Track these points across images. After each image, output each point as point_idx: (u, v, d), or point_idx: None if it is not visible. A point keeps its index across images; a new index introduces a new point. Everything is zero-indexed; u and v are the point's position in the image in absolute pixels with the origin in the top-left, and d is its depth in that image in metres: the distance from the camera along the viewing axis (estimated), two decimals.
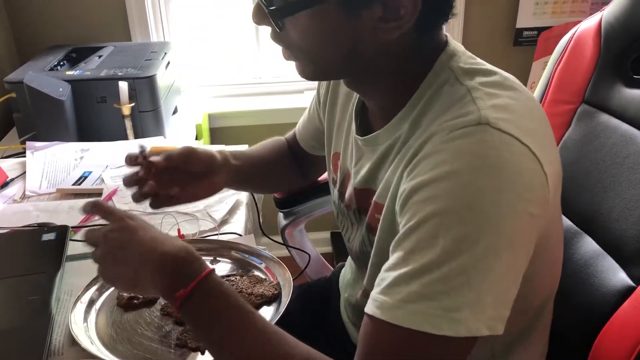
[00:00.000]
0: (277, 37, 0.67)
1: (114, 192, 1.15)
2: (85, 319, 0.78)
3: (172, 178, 0.86)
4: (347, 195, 0.82)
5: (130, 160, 0.84)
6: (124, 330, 0.77)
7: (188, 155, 0.87)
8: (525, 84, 2.07)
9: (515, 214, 0.57)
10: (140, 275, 0.66)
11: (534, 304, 0.75)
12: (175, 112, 1.78)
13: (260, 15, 0.66)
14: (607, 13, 0.96)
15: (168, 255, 0.66)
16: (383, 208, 0.69)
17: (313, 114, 0.98)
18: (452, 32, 1.99)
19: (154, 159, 0.84)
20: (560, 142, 1.03)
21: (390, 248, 0.61)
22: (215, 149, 0.94)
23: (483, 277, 0.56)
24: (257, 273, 0.89)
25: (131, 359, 0.72)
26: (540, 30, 2.00)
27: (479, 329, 0.56)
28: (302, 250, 1.16)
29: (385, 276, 0.59)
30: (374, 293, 0.59)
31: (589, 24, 0.99)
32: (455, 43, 0.71)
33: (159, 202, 0.86)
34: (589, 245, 0.92)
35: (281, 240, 1.19)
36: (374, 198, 0.73)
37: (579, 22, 1.04)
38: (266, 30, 0.67)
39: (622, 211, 0.87)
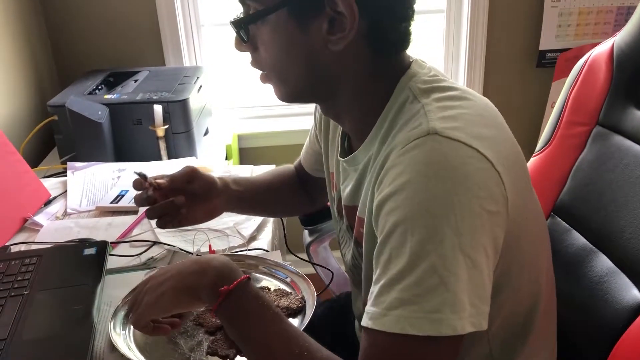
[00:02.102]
0: (254, 60, 0.77)
1: None
2: (124, 328, 0.84)
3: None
4: (341, 209, 0.88)
5: (137, 185, 0.90)
6: (159, 339, 0.82)
7: (190, 175, 0.94)
8: (545, 104, 2.10)
9: (472, 212, 0.62)
10: (185, 282, 0.72)
11: (520, 308, 0.79)
12: (206, 133, 1.86)
13: (239, 42, 0.75)
14: (618, 39, 1.00)
15: (214, 261, 0.73)
16: (364, 222, 0.75)
17: (313, 138, 1.05)
18: (475, 53, 2.03)
19: (159, 181, 0.91)
20: (576, 163, 1.06)
21: (374, 260, 0.66)
22: (235, 170, 1.00)
23: (455, 276, 0.60)
24: (283, 287, 0.94)
25: None
26: (562, 52, 2.03)
27: (463, 327, 0.60)
28: (326, 268, 1.21)
29: (373, 289, 0.64)
30: (367, 306, 0.64)
31: (602, 48, 1.03)
32: (420, 65, 0.76)
33: (166, 221, 0.92)
34: (603, 262, 0.95)
35: (306, 258, 1.24)
36: (358, 213, 0.79)
37: (598, 43, 1.07)
38: None
39: (635, 230, 0.90)
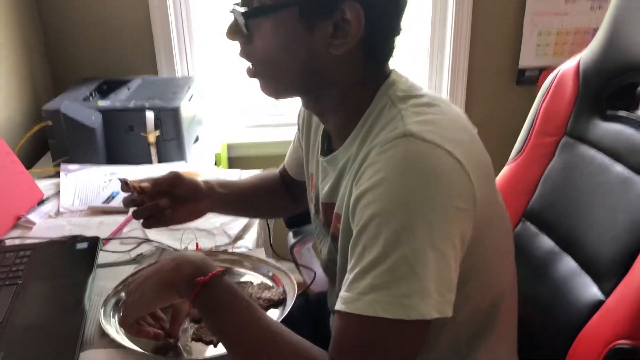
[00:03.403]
0: (244, 51, 0.79)
1: None
2: (113, 316, 0.89)
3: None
4: (318, 208, 0.93)
5: (123, 188, 0.95)
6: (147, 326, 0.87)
7: (174, 179, 0.99)
8: (524, 119, 2.18)
9: (443, 208, 0.67)
10: (164, 277, 0.77)
11: (484, 303, 0.85)
12: (196, 141, 1.91)
13: (234, 30, 0.78)
14: (584, 56, 1.07)
15: (190, 257, 0.77)
16: (341, 217, 0.80)
17: (297, 143, 1.10)
18: (458, 71, 2.11)
19: (143, 184, 0.96)
20: (545, 171, 1.12)
21: (349, 251, 0.71)
22: (223, 174, 1.05)
23: (424, 266, 0.65)
24: (265, 281, 0.99)
25: (152, 348, 0.82)
26: (541, 69, 2.11)
27: (429, 312, 0.65)
28: (308, 268, 1.26)
29: (348, 277, 0.69)
30: (341, 293, 0.70)
31: (570, 65, 1.10)
32: (398, 75, 0.82)
33: (150, 222, 0.96)
34: (568, 264, 1.01)
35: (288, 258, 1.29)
36: (335, 209, 0.84)
37: None
38: None
39: (597, 233, 0.96)
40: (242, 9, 0.75)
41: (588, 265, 0.97)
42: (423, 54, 2.18)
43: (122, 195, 1.32)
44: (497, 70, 2.15)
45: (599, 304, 0.90)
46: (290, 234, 1.30)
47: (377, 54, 0.80)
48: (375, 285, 0.66)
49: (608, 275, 0.91)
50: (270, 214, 1.24)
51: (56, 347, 0.80)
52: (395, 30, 0.79)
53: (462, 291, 0.73)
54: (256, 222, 1.24)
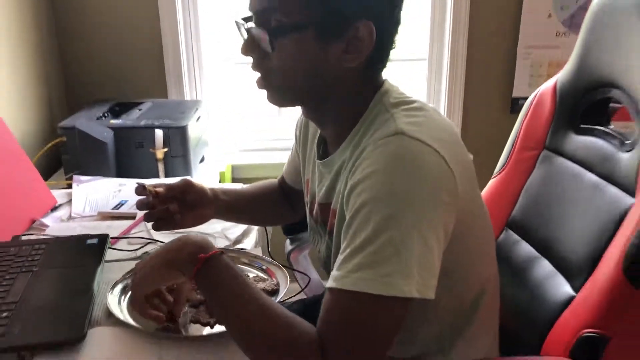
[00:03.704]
0: (259, 65, 0.85)
1: None
2: (120, 301, 0.96)
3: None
4: (314, 211, 1.00)
5: (138, 191, 1.03)
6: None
7: (186, 186, 1.07)
8: None
9: (428, 199, 0.75)
10: (168, 257, 0.84)
11: (467, 296, 0.92)
12: (202, 160, 2.00)
13: (251, 47, 0.84)
14: (560, 76, 1.16)
15: (193, 237, 0.85)
16: (337, 212, 0.88)
17: (294, 153, 1.18)
18: (454, 98, 2.21)
19: (158, 189, 1.04)
20: (526, 183, 1.20)
21: (342, 235, 0.79)
22: (227, 185, 1.13)
23: (408, 250, 0.72)
24: (260, 274, 1.06)
25: (154, 328, 0.89)
26: None
27: (410, 291, 0.72)
28: (304, 273, 1.32)
29: (339, 258, 0.76)
30: (332, 272, 0.77)
31: (548, 85, 1.19)
32: (390, 84, 0.90)
33: (160, 224, 1.04)
34: (545, 267, 1.08)
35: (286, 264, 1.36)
36: (331, 207, 0.91)
37: None
38: None
39: (570, 237, 1.04)
40: (262, 30, 0.81)
41: (562, 267, 1.04)
42: (421, 84, 2.28)
43: (131, 203, 1.42)
44: (491, 100, 2.24)
45: (570, 300, 0.97)
46: (288, 241, 1.37)
47: (378, 66, 0.88)
48: (362, 265, 0.73)
49: (578, 274, 0.98)
50: (268, 221, 1.31)
51: (67, 324, 0.87)
52: (394, 43, 0.87)
53: (445, 284, 0.80)
54: (255, 228, 1.32)
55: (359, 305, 0.73)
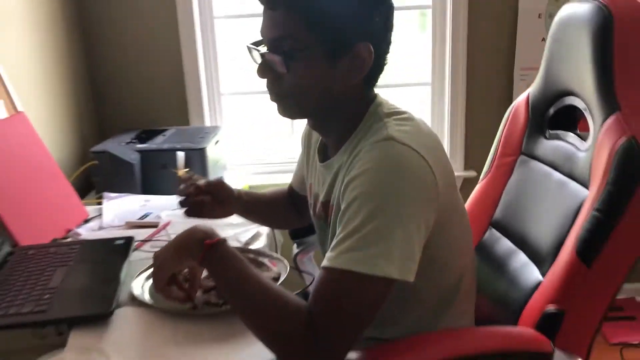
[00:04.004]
0: (273, 84, 0.97)
1: (168, 223, 1.51)
2: (142, 286, 1.11)
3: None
4: (317, 210, 1.13)
5: (183, 178, 1.22)
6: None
7: (220, 184, 1.25)
8: None
9: (412, 196, 0.88)
10: (180, 243, 0.98)
11: (449, 282, 1.05)
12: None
13: (266, 70, 0.96)
14: (532, 89, 1.30)
15: (201, 227, 0.98)
16: (334, 207, 1.01)
17: (301, 162, 1.32)
18: (456, 119, 2.35)
19: (200, 182, 1.22)
20: (506, 186, 1.33)
21: (337, 224, 0.92)
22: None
23: (391, 237, 0.85)
24: (265, 264, 1.21)
25: (170, 307, 1.03)
26: None
27: (391, 273, 0.84)
28: (309, 273, 1.46)
29: (333, 242, 0.89)
30: (326, 254, 0.90)
31: (522, 97, 1.33)
32: (382, 98, 1.04)
33: (192, 212, 1.21)
34: (520, 258, 1.20)
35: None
36: (330, 203, 1.05)
37: None
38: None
39: (540, 230, 1.16)
40: (276, 55, 0.92)
41: (534, 256, 1.16)
42: (426, 103, 2.43)
43: (155, 214, 1.59)
44: (491, 121, 2.36)
45: (538, 284, 1.09)
46: (295, 245, 1.51)
47: (373, 81, 1.02)
48: (352, 248, 0.85)
49: (545, 261, 1.10)
50: (278, 223, 1.45)
51: (97, 303, 1.02)
52: (386, 61, 1.01)
53: (427, 272, 0.92)
54: (264, 234, 1.46)
55: (346, 282, 0.85)
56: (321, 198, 1.11)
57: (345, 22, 0.92)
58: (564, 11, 1.15)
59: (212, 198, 1.23)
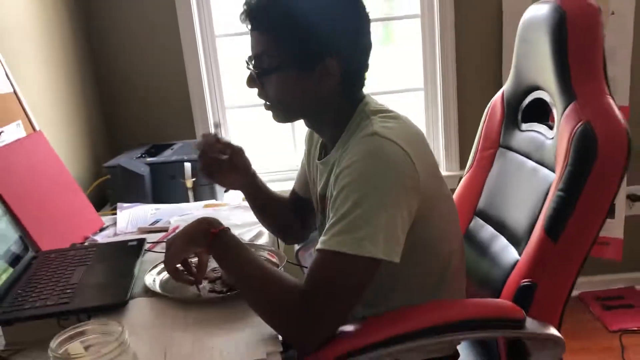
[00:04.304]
0: (261, 94, 1.12)
1: (177, 227, 1.62)
2: (153, 280, 1.22)
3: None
4: (317, 203, 1.24)
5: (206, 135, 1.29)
6: (177, 285, 1.18)
7: (240, 151, 1.33)
8: None
9: (395, 184, 0.98)
10: (188, 232, 1.09)
11: (435, 267, 1.14)
12: (227, 190, 2.28)
13: (251, 82, 1.11)
14: (505, 86, 1.40)
15: (207, 217, 1.10)
16: (328, 198, 1.12)
17: (304, 163, 1.43)
18: (449, 124, 2.45)
19: (223, 140, 1.29)
20: (488, 177, 1.43)
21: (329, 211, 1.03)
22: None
23: (376, 221, 0.95)
24: (265, 256, 1.32)
25: (179, 295, 1.15)
26: None
27: (376, 253, 0.95)
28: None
29: (326, 227, 1.00)
30: (320, 237, 1.01)
31: (498, 94, 1.43)
32: (370, 97, 1.15)
33: (207, 170, 1.28)
34: (501, 242, 1.30)
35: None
36: (327, 196, 1.15)
37: None
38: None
39: (516, 214, 1.26)
40: (255, 70, 1.08)
41: (512, 239, 1.26)
42: (420, 113, 2.54)
43: (165, 220, 1.70)
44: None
45: (516, 262, 1.19)
46: None
47: (352, 86, 1.12)
48: (341, 231, 0.96)
49: (522, 241, 1.20)
50: (275, 222, 1.50)
51: (114, 295, 1.13)
52: (364, 68, 1.12)
53: (413, 257, 1.03)
54: (266, 232, 1.57)
55: (335, 262, 0.96)
56: (319, 192, 1.21)
57: (310, 40, 1.04)
58: (528, 13, 1.26)
59: (229, 161, 1.28)
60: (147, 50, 2.41)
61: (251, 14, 1.06)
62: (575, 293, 2.53)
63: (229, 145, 1.31)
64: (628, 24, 2.30)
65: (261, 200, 1.44)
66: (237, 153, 1.32)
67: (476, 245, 1.38)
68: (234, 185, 1.38)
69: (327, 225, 1.00)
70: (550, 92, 1.20)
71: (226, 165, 1.29)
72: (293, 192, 1.50)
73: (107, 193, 2.11)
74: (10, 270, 1.22)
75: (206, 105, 2.46)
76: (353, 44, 1.09)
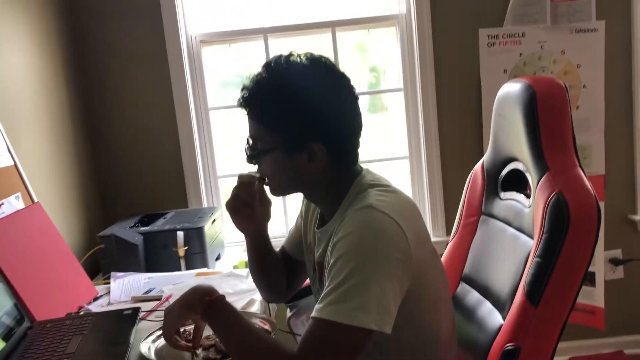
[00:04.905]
0: (258, 171, 1.21)
1: (170, 296, 1.65)
2: (148, 348, 1.24)
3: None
4: (315, 269, 1.28)
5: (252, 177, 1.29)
6: (172, 352, 1.20)
7: (269, 202, 1.34)
8: None
9: (387, 257, 1.03)
10: (185, 300, 1.12)
11: (426, 338, 1.16)
12: (218, 258, 2.31)
13: (249, 159, 1.19)
14: (485, 157, 1.49)
15: (202, 285, 1.14)
16: (325, 265, 1.17)
17: (299, 225, 1.48)
18: (434, 189, 2.53)
19: (259, 187, 1.27)
20: (472, 243, 1.49)
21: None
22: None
23: (368, 292, 0.99)
24: (257, 324, 1.35)
25: None
26: None
27: (368, 324, 0.98)
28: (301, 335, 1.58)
29: (321, 295, 1.04)
30: (315, 306, 1.05)
31: (478, 165, 1.52)
32: (368, 171, 1.21)
33: (233, 208, 1.29)
34: (486, 306, 1.35)
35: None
36: (324, 263, 1.19)
37: None
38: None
39: (500, 279, 1.32)
40: (250, 152, 1.18)
41: (496, 304, 1.31)
42: (406, 180, 2.62)
43: (158, 288, 1.73)
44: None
45: (500, 327, 1.23)
46: (288, 309, 1.65)
47: (346, 163, 1.19)
48: (335, 300, 1.00)
49: (505, 306, 1.25)
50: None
51: None
52: (354, 148, 1.18)
53: (407, 324, 1.07)
54: (258, 299, 1.60)
55: (328, 330, 1.00)
56: (317, 259, 1.25)
57: (294, 128, 1.12)
58: (502, 90, 1.37)
59: (254, 209, 1.29)
60: (141, 123, 2.49)
61: (244, 103, 1.15)
62: (564, 358, 2.58)
63: (262, 193, 1.32)
64: (599, 95, 2.43)
65: (263, 251, 1.45)
66: (264, 204, 1.34)
67: (463, 310, 1.42)
68: (246, 229, 1.38)
69: (322, 294, 1.03)
70: (525, 163, 1.28)
71: (250, 212, 1.31)
72: (282, 250, 1.51)
73: (100, 262, 2.14)
74: (3, 344, 1.23)
75: (199, 175, 2.53)
76: (338, 128, 1.15)
